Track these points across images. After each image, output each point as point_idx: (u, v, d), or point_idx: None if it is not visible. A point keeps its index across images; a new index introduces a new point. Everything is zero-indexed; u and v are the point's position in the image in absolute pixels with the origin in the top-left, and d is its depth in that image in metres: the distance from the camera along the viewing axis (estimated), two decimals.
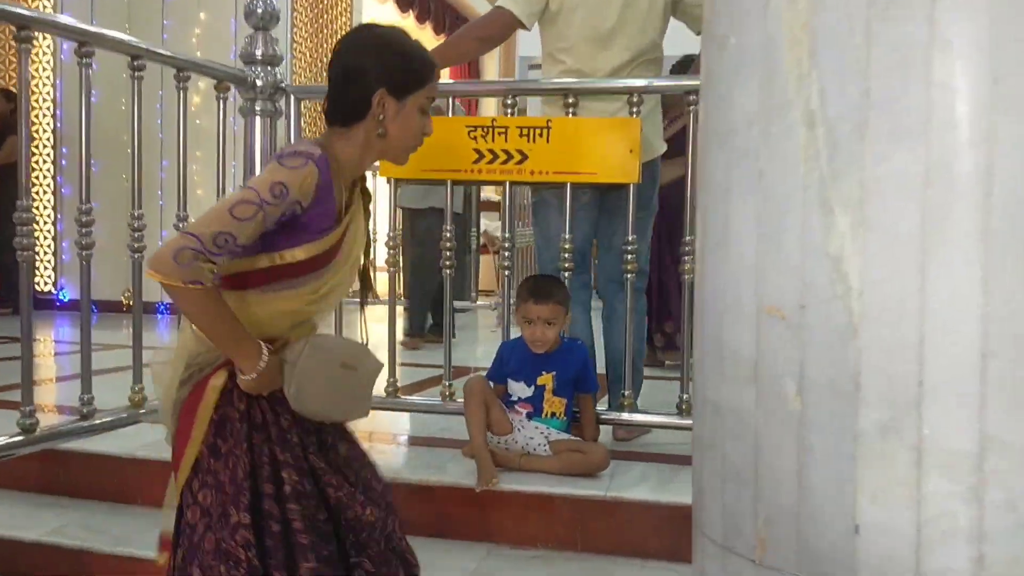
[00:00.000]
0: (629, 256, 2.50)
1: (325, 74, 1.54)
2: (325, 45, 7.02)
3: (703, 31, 1.06)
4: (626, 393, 2.56)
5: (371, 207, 1.64)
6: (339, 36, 7.24)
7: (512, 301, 2.66)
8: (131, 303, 7.38)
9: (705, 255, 1.05)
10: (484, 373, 2.51)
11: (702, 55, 1.09)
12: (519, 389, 2.45)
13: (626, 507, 2.19)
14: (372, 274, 1.82)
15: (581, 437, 2.45)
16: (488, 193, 8.42)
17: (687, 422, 2.50)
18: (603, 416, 2.57)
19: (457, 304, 5.47)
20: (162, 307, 6.99)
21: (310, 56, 6.93)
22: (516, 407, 2.44)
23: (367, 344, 1.63)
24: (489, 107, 7.46)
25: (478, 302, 6.43)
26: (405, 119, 1.50)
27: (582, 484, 2.25)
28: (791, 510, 0.89)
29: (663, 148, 2.72)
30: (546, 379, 2.43)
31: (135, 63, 2.37)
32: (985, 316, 0.79)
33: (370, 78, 1.46)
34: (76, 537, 2.29)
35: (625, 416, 2.58)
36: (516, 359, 2.47)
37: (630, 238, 2.49)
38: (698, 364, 1.09)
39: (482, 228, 6.71)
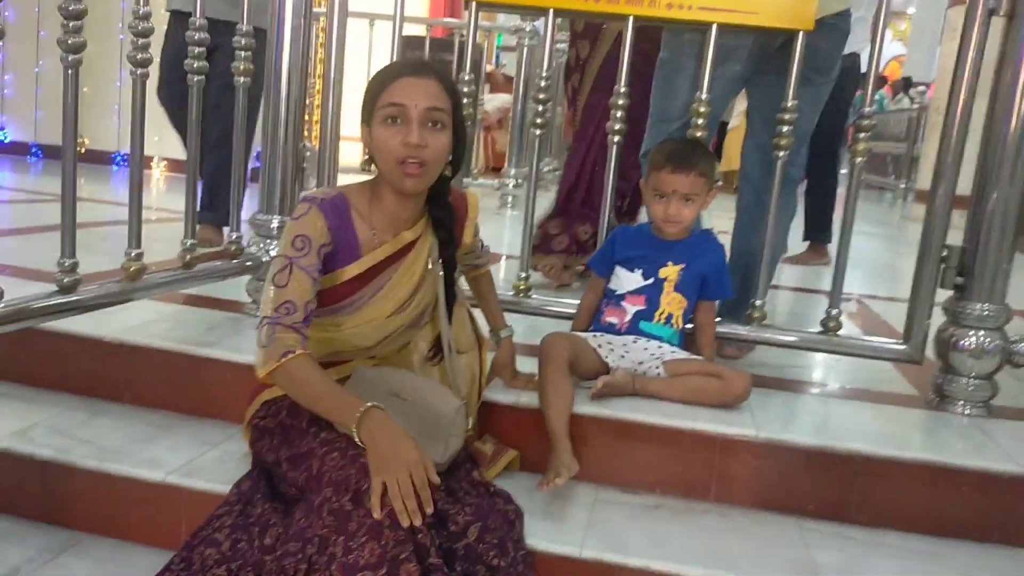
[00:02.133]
0: (784, 128, 1.93)
1: None
2: None
3: None
4: (758, 303, 2.04)
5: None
6: None
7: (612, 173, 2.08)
8: (83, 151, 6.53)
9: None
10: (561, 328, 1.92)
11: None
12: (631, 280, 1.91)
13: (783, 453, 1.69)
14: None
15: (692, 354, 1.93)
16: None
17: (835, 341, 2.02)
18: (725, 332, 2.04)
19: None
20: (118, 156, 6.22)
21: None
22: (623, 303, 1.91)
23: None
24: None
25: (479, 180, 5.80)
26: (377, 140, 1.48)
27: (722, 419, 1.73)
28: None
29: (851, 2, 2.05)
30: (670, 271, 1.89)
31: None
32: None
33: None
34: (46, 444, 1.72)
35: (745, 332, 2.05)
36: (635, 245, 1.93)
37: (789, 104, 1.92)
38: None
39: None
